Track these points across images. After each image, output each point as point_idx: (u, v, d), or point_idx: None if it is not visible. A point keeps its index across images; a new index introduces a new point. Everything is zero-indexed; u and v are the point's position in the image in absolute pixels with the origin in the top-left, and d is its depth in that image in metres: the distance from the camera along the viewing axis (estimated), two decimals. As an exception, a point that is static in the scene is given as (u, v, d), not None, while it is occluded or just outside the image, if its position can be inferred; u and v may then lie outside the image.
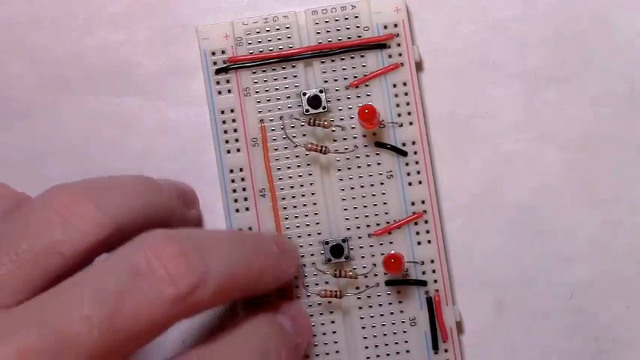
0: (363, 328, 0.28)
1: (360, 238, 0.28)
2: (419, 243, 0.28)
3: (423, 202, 0.28)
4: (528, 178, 0.29)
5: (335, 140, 0.28)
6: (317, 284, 0.28)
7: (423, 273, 0.28)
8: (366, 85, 0.28)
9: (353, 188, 0.28)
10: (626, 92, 0.29)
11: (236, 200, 0.29)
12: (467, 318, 0.29)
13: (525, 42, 0.29)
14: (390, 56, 0.28)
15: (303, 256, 0.28)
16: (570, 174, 0.29)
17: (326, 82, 0.29)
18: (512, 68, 0.29)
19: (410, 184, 0.28)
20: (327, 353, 0.28)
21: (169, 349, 0.28)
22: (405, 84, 0.28)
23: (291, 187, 0.29)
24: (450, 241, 0.29)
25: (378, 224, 0.28)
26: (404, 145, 0.28)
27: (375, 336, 0.28)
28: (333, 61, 0.29)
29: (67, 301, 0.22)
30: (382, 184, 0.28)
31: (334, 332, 0.28)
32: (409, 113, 0.28)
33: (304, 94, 0.28)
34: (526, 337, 0.29)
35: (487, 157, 0.29)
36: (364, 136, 0.28)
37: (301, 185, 0.29)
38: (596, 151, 0.29)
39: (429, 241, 0.28)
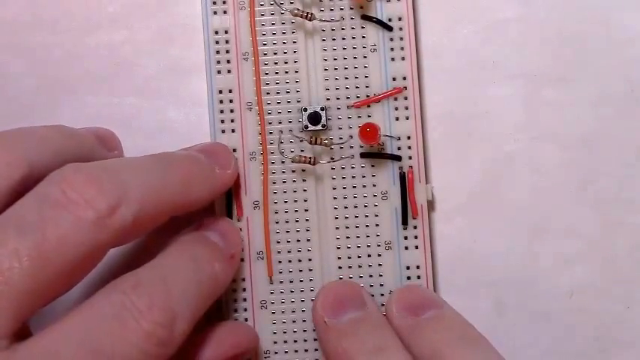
0: (335, 198, 0.29)
1: (339, 108, 0.29)
2: (397, 119, 0.28)
3: (404, 79, 0.28)
4: (528, 178, 0.29)
5: (322, 10, 0.29)
6: (292, 151, 0.29)
7: (399, 149, 0.28)
8: None
9: (336, 59, 0.29)
10: (626, 92, 0.29)
11: (221, 101, 0.29)
12: (467, 318, 0.29)
13: (525, 42, 0.29)
14: None
15: (280, 122, 0.28)
16: (570, 174, 0.29)
17: None
18: (512, 68, 0.29)
19: (393, 59, 0.28)
20: (297, 220, 0.29)
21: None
22: None
23: (275, 53, 0.29)
24: (450, 242, 0.29)
25: (357, 97, 0.28)
26: (390, 20, 0.28)
27: (345, 207, 0.29)
28: None
29: None
30: (365, 57, 0.28)
31: (305, 200, 0.29)
32: None
33: None
34: (526, 337, 0.29)
35: (487, 157, 0.29)
36: (351, 8, 0.29)
37: (284, 52, 0.29)
38: (596, 151, 0.29)
39: (407, 118, 0.28)
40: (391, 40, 0.28)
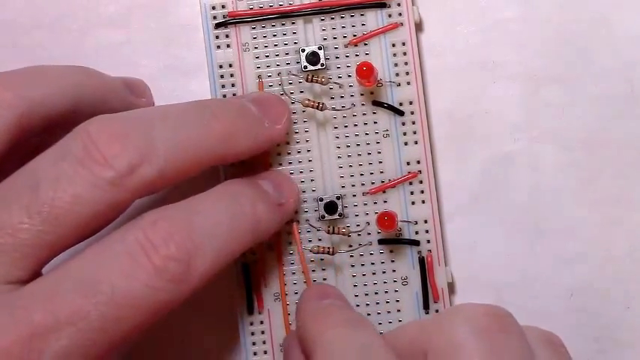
0: (355, 285, 0.28)
1: (354, 196, 0.28)
2: (413, 203, 0.28)
3: (418, 162, 0.28)
4: (528, 178, 0.29)
5: (332, 98, 0.28)
6: (310, 241, 0.28)
7: (416, 233, 0.28)
8: (365, 44, 0.28)
9: (349, 146, 0.28)
10: (626, 92, 0.29)
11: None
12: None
13: (525, 42, 0.29)
14: (389, 15, 0.28)
15: (296, 212, 0.28)
16: (570, 174, 0.29)
17: (325, 39, 0.29)
18: (512, 68, 0.29)
19: (406, 143, 0.28)
20: None
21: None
22: (403, 44, 0.28)
23: (287, 142, 0.28)
24: (450, 242, 0.29)
25: (372, 183, 0.28)
26: (401, 104, 0.28)
27: (366, 294, 0.28)
28: (332, 18, 0.28)
29: (6, 194, 0.23)
30: (378, 142, 0.28)
31: None
32: (407, 73, 0.28)
33: (303, 50, 0.28)
34: (526, 337, 0.29)
35: (487, 157, 0.29)
36: (362, 94, 0.28)
37: (297, 142, 0.28)
38: (596, 151, 0.29)
39: (423, 202, 0.28)
40: (403, 124, 0.28)
